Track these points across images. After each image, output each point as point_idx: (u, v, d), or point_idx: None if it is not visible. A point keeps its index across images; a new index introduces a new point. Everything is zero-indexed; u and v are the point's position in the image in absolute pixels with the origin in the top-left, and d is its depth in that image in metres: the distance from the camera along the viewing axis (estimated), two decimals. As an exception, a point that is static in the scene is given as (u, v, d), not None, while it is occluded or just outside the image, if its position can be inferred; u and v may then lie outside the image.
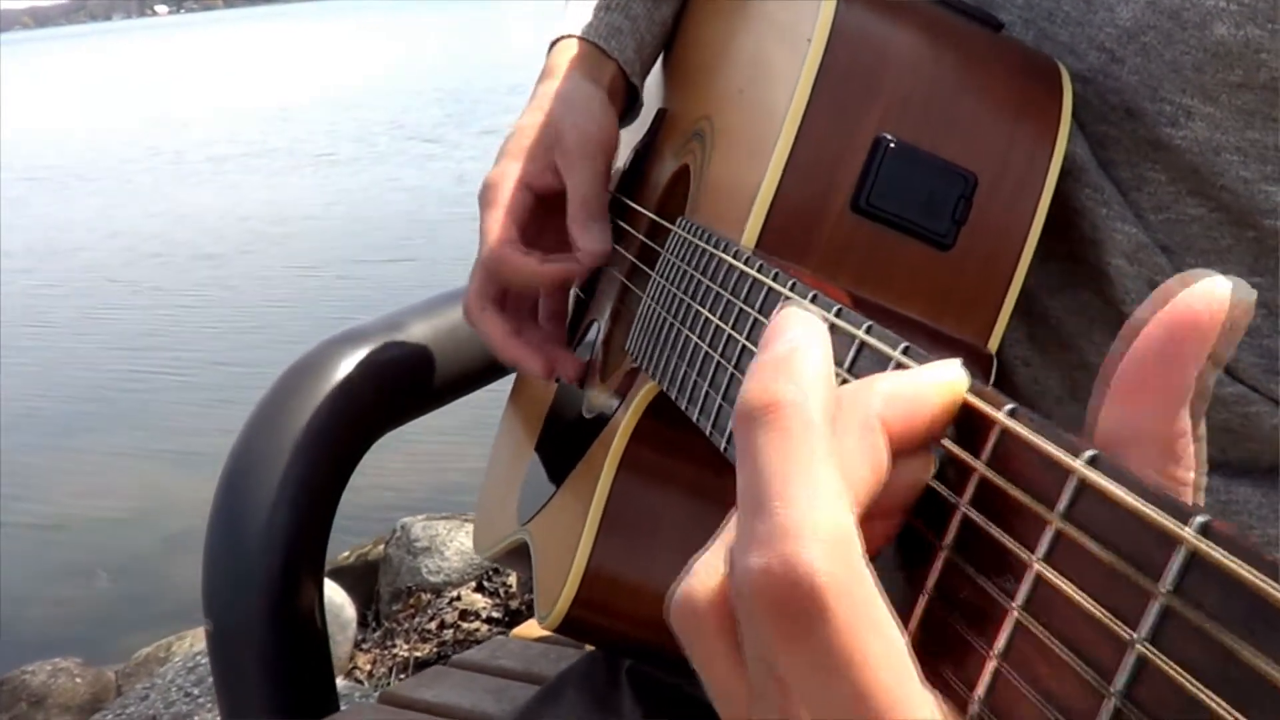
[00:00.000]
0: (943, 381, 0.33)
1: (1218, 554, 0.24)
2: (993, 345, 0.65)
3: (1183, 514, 0.25)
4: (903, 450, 0.33)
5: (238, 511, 1.09)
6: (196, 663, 2.94)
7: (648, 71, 0.96)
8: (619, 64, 0.92)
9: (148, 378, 6.19)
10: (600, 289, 0.96)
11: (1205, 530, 0.24)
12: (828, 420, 0.31)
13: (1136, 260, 0.70)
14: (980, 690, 0.29)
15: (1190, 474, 0.30)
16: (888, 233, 0.64)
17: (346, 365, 1.13)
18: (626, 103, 0.95)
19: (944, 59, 0.67)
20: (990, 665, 0.29)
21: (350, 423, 1.14)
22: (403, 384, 1.17)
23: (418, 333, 1.18)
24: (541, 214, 0.90)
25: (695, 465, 0.66)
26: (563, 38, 0.94)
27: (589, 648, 1.00)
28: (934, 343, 0.64)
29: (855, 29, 0.65)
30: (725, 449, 0.54)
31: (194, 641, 3.20)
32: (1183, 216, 0.71)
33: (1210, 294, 0.28)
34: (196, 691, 2.83)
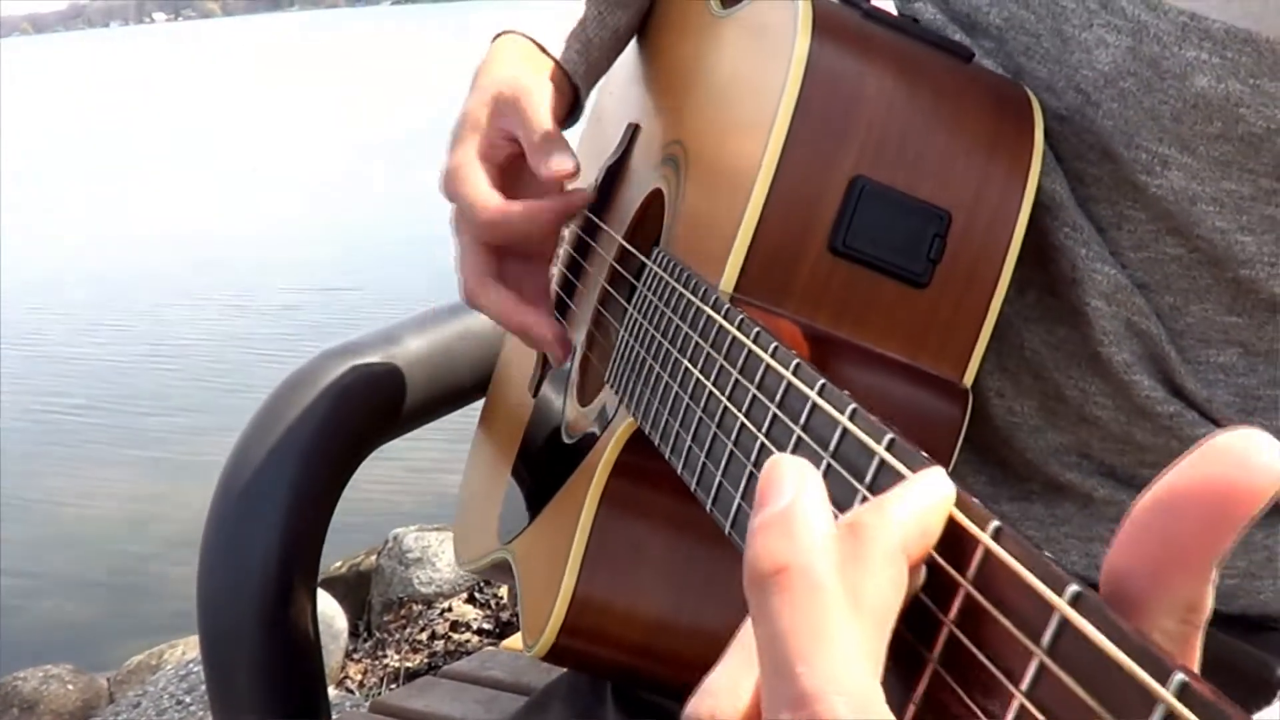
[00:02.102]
0: (943, 498, 0.34)
1: (1192, 718, 0.24)
2: (968, 379, 0.66)
3: (1163, 670, 0.25)
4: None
5: (233, 521, 1.10)
6: (189, 670, 2.95)
7: (595, 77, 0.94)
8: (558, 62, 0.90)
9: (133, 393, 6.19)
10: (573, 309, 0.97)
11: (1183, 691, 0.25)
12: (834, 572, 0.31)
13: (1115, 301, 0.70)
14: None
15: (1207, 608, 0.29)
16: (864, 273, 0.64)
17: (342, 378, 1.14)
18: (570, 102, 0.92)
19: (917, 96, 0.67)
20: None
21: (345, 435, 1.15)
22: (398, 397, 1.18)
23: (413, 346, 1.19)
24: (506, 186, 0.88)
25: (677, 497, 0.67)
26: (505, 33, 0.92)
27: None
28: (911, 380, 0.65)
29: (829, 67, 0.65)
30: (711, 510, 0.54)
31: (186, 650, 3.21)
32: (1162, 255, 0.70)
33: (1265, 464, 0.27)
34: (189, 699, 2.83)
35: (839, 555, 0.32)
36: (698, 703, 0.34)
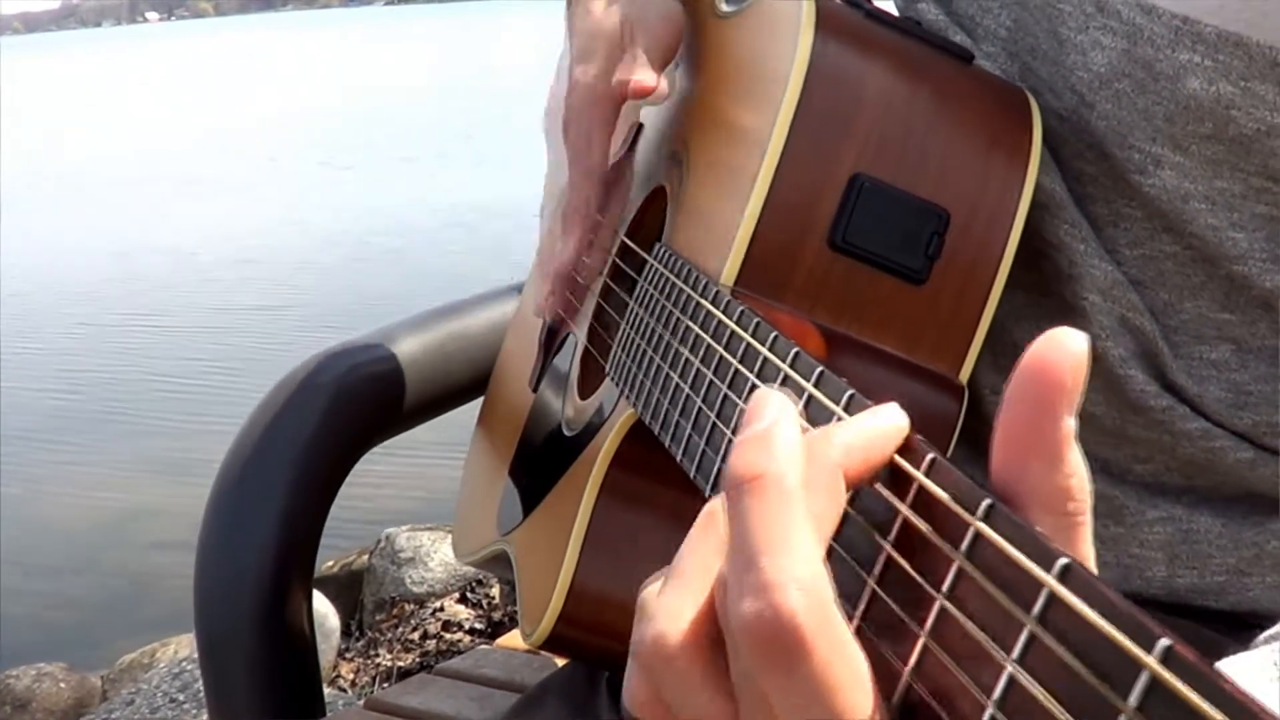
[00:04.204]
0: (890, 427, 0.39)
1: (1175, 681, 0.26)
2: (964, 375, 0.67)
3: (1149, 636, 0.27)
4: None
5: (230, 521, 1.11)
6: (182, 669, 2.95)
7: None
8: None
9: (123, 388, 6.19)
10: (576, 305, 0.97)
11: (1167, 656, 0.26)
12: (802, 485, 0.36)
13: (1110, 297, 0.71)
14: (909, 666, 0.35)
15: (1083, 503, 0.34)
16: (863, 268, 0.65)
17: (338, 378, 1.15)
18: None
19: (918, 95, 0.68)
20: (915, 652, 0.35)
21: (341, 434, 1.16)
22: (394, 397, 1.19)
23: (408, 347, 1.20)
24: None
25: (675, 488, 0.68)
26: None
27: (570, 657, 1.02)
28: (908, 374, 0.66)
29: (832, 66, 0.66)
30: (709, 495, 0.55)
31: (179, 648, 3.21)
32: (1157, 253, 0.71)
33: (1065, 349, 0.33)
34: (181, 697, 2.84)
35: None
36: (641, 628, 0.40)
